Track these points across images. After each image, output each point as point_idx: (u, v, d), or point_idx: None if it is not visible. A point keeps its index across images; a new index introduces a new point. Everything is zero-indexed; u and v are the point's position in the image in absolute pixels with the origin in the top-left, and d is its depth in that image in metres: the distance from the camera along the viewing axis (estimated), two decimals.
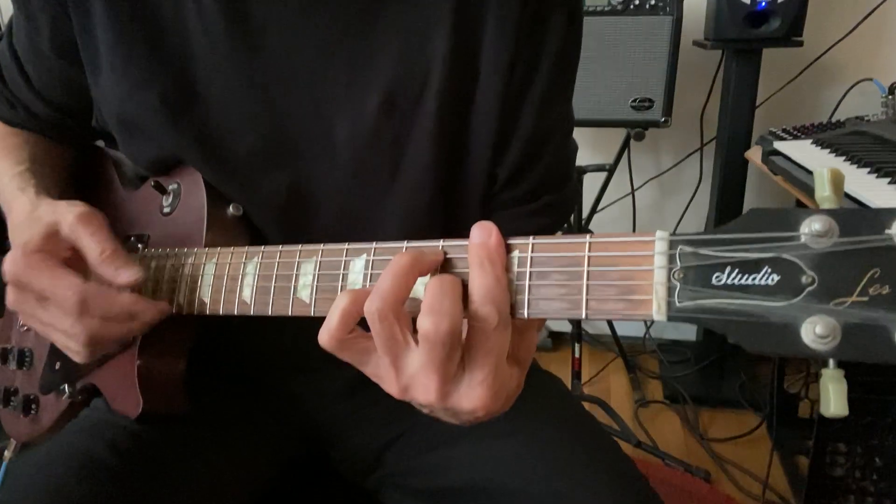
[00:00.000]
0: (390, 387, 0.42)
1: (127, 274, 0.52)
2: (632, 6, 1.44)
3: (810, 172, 1.08)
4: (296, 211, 0.62)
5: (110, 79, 0.60)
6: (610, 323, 1.91)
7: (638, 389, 1.86)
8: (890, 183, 0.91)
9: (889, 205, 0.82)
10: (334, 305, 0.40)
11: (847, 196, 0.90)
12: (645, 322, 2.02)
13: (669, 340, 2.04)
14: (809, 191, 1.01)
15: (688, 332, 2.00)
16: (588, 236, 0.36)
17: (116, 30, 0.58)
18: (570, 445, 0.62)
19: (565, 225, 1.72)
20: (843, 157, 1.07)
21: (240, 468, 0.68)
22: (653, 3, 1.44)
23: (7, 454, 0.73)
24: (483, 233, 0.39)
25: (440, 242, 0.42)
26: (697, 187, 1.84)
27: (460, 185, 0.62)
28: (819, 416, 1.15)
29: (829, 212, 0.30)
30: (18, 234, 0.58)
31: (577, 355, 1.72)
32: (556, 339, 2.11)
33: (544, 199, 0.66)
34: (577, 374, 1.72)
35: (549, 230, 0.68)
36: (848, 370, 0.30)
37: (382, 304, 0.38)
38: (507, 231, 0.39)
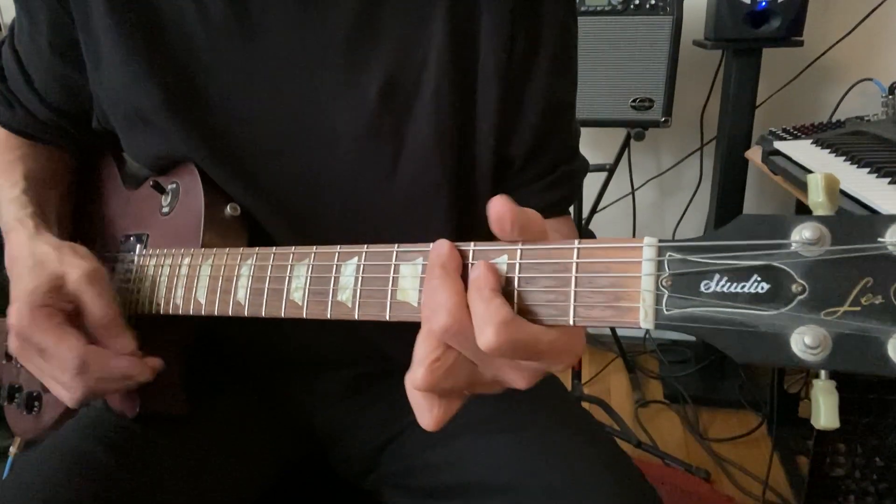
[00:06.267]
0: (519, 382, 0.40)
1: (122, 342, 0.56)
2: (632, 6, 1.44)
3: (810, 172, 1.07)
4: (300, 203, 0.62)
5: (112, 72, 0.60)
6: None
7: (638, 389, 1.86)
8: (890, 183, 0.91)
9: (889, 205, 0.82)
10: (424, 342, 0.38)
11: (847, 196, 0.89)
12: None
13: (669, 340, 2.04)
14: None
15: None
16: (577, 242, 0.36)
17: (117, 24, 0.58)
18: (566, 440, 0.62)
19: None
20: (843, 157, 1.06)
21: (237, 469, 0.68)
22: (653, 3, 1.43)
23: (12, 450, 0.73)
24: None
25: (428, 245, 0.40)
26: (697, 187, 1.84)
27: (467, 169, 0.63)
28: None
29: (820, 219, 0.29)
30: (18, 273, 0.59)
31: None
32: None
33: (560, 169, 0.67)
34: (577, 374, 1.71)
35: (565, 202, 0.70)
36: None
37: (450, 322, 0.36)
38: (529, 206, 0.38)
